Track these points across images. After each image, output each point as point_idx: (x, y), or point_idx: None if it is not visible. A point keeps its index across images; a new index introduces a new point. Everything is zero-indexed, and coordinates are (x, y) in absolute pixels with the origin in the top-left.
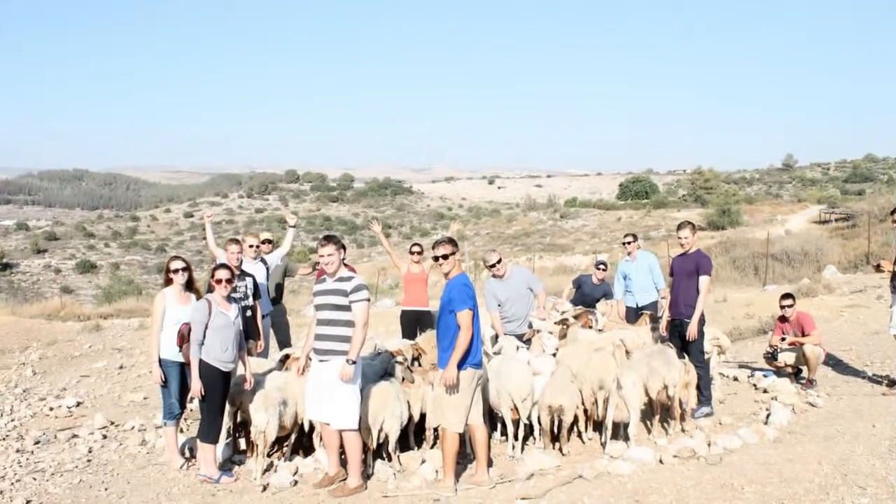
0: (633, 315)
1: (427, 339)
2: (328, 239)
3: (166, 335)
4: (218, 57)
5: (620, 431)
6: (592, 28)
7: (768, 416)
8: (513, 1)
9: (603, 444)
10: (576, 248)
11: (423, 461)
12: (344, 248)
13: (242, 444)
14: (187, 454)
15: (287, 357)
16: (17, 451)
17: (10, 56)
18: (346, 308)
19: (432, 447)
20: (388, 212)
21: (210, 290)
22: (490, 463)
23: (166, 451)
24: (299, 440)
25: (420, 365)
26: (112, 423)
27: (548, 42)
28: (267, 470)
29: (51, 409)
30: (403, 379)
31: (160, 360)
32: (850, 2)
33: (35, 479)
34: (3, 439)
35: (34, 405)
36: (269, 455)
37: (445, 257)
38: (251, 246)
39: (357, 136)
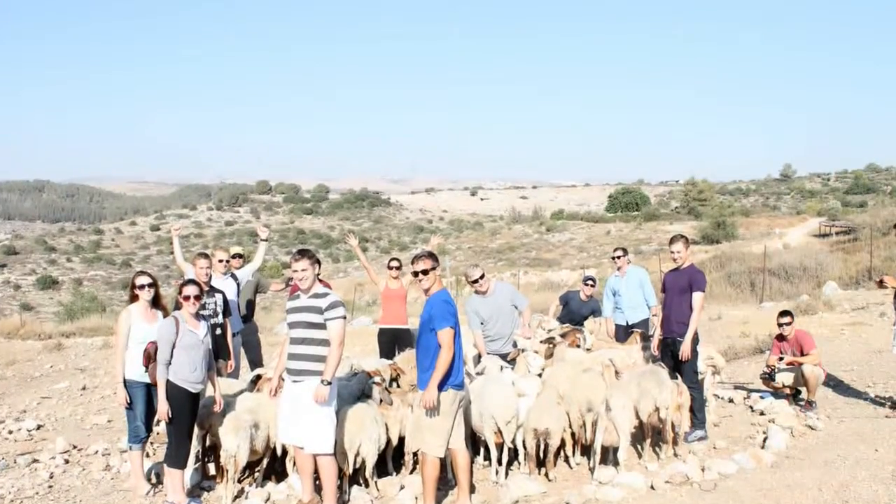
0: (622, 333)
1: (406, 358)
2: (302, 253)
3: (131, 354)
4: (186, 63)
5: (610, 456)
6: (580, 30)
7: (765, 439)
8: (496, 3)
9: (591, 470)
10: (563, 263)
11: (402, 487)
12: (319, 262)
13: (212, 469)
14: (154, 480)
15: (259, 377)
16: None
17: None
18: (321, 326)
19: (412, 472)
20: (365, 225)
21: (177, 307)
22: (472, 489)
23: (131, 476)
24: (271, 465)
25: (399, 386)
26: (74, 448)
27: (534, 45)
28: (237, 496)
29: (10, 432)
30: (381, 401)
31: (125, 381)
32: (851, 4)
33: None
34: None
35: None
36: (239, 481)
37: (425, 272)
38: (221, 261)
39: (333, 145)
